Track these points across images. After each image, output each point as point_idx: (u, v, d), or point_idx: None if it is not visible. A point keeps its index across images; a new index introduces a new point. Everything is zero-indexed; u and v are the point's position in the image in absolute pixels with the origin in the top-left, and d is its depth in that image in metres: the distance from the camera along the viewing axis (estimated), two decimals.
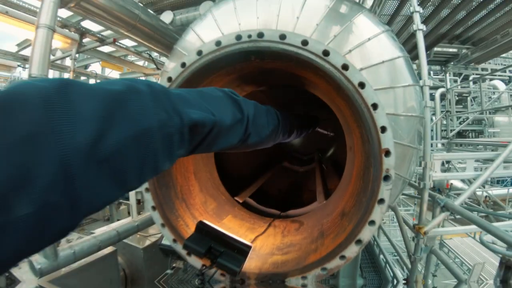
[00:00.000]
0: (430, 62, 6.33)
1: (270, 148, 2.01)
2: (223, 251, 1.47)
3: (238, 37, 1.66)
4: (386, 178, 1.43)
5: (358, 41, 1.77)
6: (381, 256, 4.58)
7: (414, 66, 2.53)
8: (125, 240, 3.63)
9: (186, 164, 2.08)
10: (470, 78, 10.88)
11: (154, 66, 6.90)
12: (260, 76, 2.15)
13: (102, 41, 5.24)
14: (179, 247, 1.77)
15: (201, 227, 1.55)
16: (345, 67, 1.43)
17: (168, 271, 2.64)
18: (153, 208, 1.79)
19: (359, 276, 3.96)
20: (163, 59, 6.91)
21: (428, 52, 4.53)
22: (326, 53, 1.45)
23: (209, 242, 1.50)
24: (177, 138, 0.80)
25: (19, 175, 0.51)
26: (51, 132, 0.54)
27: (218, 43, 1.69)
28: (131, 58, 7.36)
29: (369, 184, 1.53)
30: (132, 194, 4.19)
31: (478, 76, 9.34)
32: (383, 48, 1.88)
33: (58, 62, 6.49)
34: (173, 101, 0.81)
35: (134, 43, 5.39)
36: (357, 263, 3.86)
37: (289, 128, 1.88)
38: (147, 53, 6.12)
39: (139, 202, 4.16)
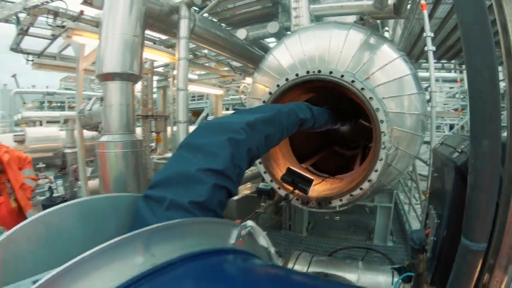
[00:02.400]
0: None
1: (325, 135, 3.61)
2: (300, 181, 3.16)
3: (307, 72, 3.14)
4: (383, 147, 2.95)
5: (380, 66, 3.06)
6: (407, 224, 5.87)
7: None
8: None
9: None
10: None
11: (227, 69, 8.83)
12: (318, 89, 3.71)
13: (196, 55, 7.42)
14: (273, 184, 3.47)
15: (289, 170, 3.26)
16: (363, 89, 2.89)
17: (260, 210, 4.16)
18: (259, 162, 3.48)
19: (390, 240, 5.24)
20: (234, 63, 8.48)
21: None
22: (353, 81, 2.91)
23: (292, 177, 3.20)
24: (296, 124, 2.39)
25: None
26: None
27: (297, 75, 3.20)
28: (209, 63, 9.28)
29: (378, 152, 3.09)
30: None
31: None
32: (397, 69, 3.10)
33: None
34: (295, 111, 2.42)
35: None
36: (387, 229, 5.17)
37: (335, 120, 3.47)
38: (226, 61, 8.02)
39: None
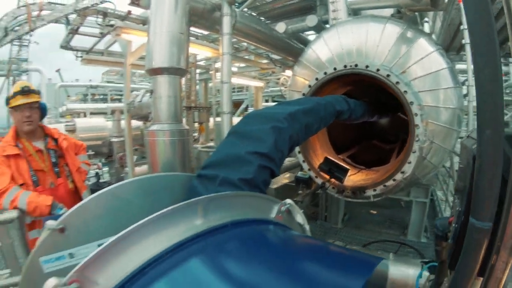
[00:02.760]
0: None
1: (364, 128, 3.74)
2: (336, 170, 3.32)
3: (345, 66, 3.28)
4: (417, 140, 3.05)
5: (416, 59, 3.13)
6: None
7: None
8: None
9: None
10: None
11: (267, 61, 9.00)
12: (356, 82, 3.81)
13: (237, 49, 7.68)
14: (311, 173, 3.65)
15: (326, 159, 3.44)
16: (398, 82, 3.00)
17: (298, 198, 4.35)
18: (298, 152, 3.69)
19: (424, 236, 5.26)
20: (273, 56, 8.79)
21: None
22: (388, 75, 3.02)
23: (329, 166, 3.37)
24: (333, 115, 2.56)
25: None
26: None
27: (334, 68, 3.35)
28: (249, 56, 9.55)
29: (411, 145, 3.19)
30: None
31: None
32: (433, 63, 3.12)
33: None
34: (332, 103, 2.59)
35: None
36: (422, 224, 5.21)
37: (372, 113, 3.59)
38: (266, 54, 8.20)
39: None
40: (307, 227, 1.61)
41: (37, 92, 3.33)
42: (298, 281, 0.94)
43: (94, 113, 13.40)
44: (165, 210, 1.04)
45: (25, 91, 3.17)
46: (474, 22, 1.01)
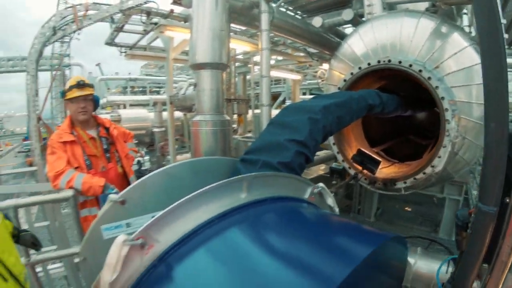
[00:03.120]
0: None
1: (401, 123, 3.83)
2: (368, 161, 3.48)
3: (378, 61, 3.38)
4: (447, 135, 3.13)
5: (449, 54, 3.15)
6: None
7: None
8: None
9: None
10: None
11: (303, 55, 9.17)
12: (391, 77, 3.88)
13: (275, 43, 7.88)
14: (345, 164, 3.82)
15: (359, 151, 3.60)
16: (430, 78, 3.07)
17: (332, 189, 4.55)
18: (333, 144, 3.86)
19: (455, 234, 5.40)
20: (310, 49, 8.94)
21: None
22: (420, 70, 3.10)
23: (362, 157, 3.53)
24: (365, 109, 2.70)
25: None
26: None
27: (369, 64, 3.45)
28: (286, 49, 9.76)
29: (442, 139, 3.27)
30: None
31: None
32: (467, 58, 3.11)
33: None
34: (365, 98, 2.73)
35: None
36: (454, 222, 5.30)
37: (405, 108, 3.69)
38: (303, 48, 8.35)
39: None
40: (336, 209, 1.81)
41: (91, 86, 3.70)
42: (318, 246, 1.16)
43: (133, 105, 14.04)
44: (215, 184, 1.29)
45: (81, 85, 3.54)
46: (483, 28, 1.17)
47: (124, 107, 13.20)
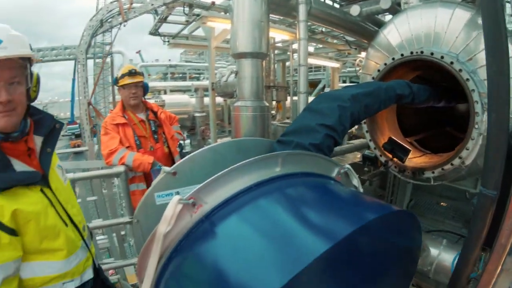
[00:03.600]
0: None
1: (437, 114, 3.91)
2: (398, 149, 3.64)
3: (411, 53, 3.46)
4: (476, 127, 3.16)
5: (483, 46, 3.31)
6: None
7: None
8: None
9: (382, 112, 4.20)
10: None
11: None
12: (424, 67, 3.89)
13: (314, 32, 8.02)
14: (376, 151, 3.99)
15: (390, 139, 3.77)
16: (460, 70, 3.12)
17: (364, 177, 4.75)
18: (366, 131, 4.02)
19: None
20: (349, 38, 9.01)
21: None
22: (452, 62, 3.15)
23: (392, 145, 3.69)
24: (393, 99, 2.85)
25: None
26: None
27: (402, 54, 3.54)
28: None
29: (471, 131, 3.34)
30: None
31: None
32: None
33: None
34: (393, 88, 2.87)
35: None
36: None
37: (438, 98, 3.78)
38: (342, 36, 8.47)
39: None
40: (361, 189, 2.05)
41: (141, 74, 4.11)
42: (335, 210, 1.43)
43: (173, 91, 14.60)
44: (254, 158, 1.57)
45: (132, 73, 3.96)
46: (488, 27, 1.36)
47: (165, 93, 13.78)
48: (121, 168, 3.56)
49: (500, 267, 1.43)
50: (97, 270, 2.27)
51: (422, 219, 5.77)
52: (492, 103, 1.33)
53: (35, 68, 1.88)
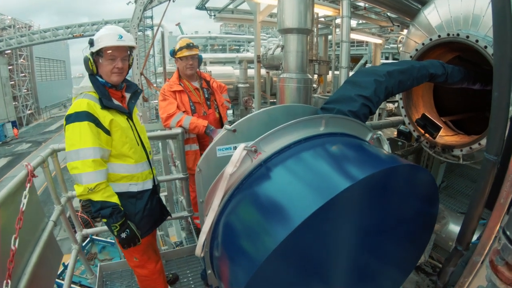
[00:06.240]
0: None
1: (477, 97, 4.11)
2: (430, 126, 3.97)
3: (447, 35, 3.65)
4: None
5: None
6: None
7: None
8: None
9: (417, 90, 4.46)
10: None
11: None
12: (461, 49, 4.03)
13: (356, 8, 8.18)
14: (410, 126, 4.31)
15: (423, 115, 4.10)
16: (493, 54, 3.30)
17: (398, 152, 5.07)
18: (402, 107, 4.36)
19: None
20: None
21: None
22: (485, 47, 3.30)
23: (424, 121, 4.02)
24: (426, 77, 3.08)
25: None
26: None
27: (438, 36, 3.76)
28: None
29: None
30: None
31: None
32: None
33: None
34: (426, 67, 3.09)
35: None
36: None
37: (474, 80, 3.99)
38: (385, 13, 8.61)
39: None
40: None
41: (197, 47, 4.59)
42: (361, 161, 1.90)
43: (213, 62, 15.03)
44: (303, 118, 2.04)
45: (190, 46, 4.44)
46: (496, 13, 1.69)
47: (205, 65, 14.28)
48: (179, 130, 4.11)
49: (499, 224, 1.63)
50: (156, 187, 3.13)
51: (452, 201, 6.04)
52: (496, 83, 1.68)
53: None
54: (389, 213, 1.98)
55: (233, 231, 1.96)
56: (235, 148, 2.35)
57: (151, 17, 23.82)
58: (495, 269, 1.38)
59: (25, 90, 47.47)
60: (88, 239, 11.80)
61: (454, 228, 3.99)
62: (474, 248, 1.85)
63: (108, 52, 2.61)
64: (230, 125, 2.43)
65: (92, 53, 2.64)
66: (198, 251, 2.15)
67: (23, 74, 46.56)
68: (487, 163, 1.81)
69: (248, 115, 2.49)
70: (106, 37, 2.58)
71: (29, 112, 49.38)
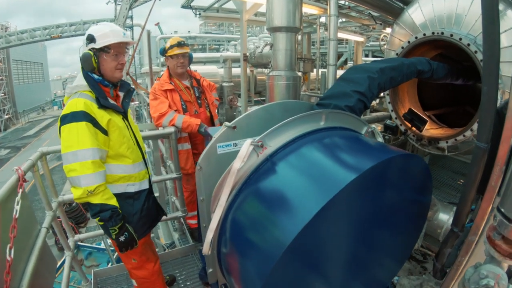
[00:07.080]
0: None
1: (458, 92, 4.32)
2: (416, 119, 4.15)
3: (433, 33, 3.82)
4: None
5: (502, 30, 3.21)
6: None
7: None
8: None
9: (403, 86, 4.61)
10: None
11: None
12: (445, 47, 4.21)
13: (341, 7, 8.38)
14: (397, 121, 4.49)
15: (410, 110, 4.28)
16: (476, 52, 3.45)
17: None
18: (389, 102, 4.50)
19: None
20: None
21: None
22: (468, 44, 3.48)
23: (411, 116, 4.20)
24: (414, 73, 3.25)
25: None
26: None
27: (424, 34, 3.93)
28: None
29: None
30: None
31: None
32: None
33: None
34: (415, 64, 3.26)
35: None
36: None
37: (457, 76, 4.15)
38: (368, 12, 8.83)
39: None
40: None
41: (188, 45, 4.63)
42: (360, 152, 2.02)
43: (194, 62, 15.02)
44: (304, 113, 2.15)
45: (181, 44, 4.48)
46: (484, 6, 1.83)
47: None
48: (172, 129, 4.16)
49: (491, 204, 1.76)
50: (151, 187, 3.20)
51: (437, 192, 6.30)
52: (485, 78, 1.82)
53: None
54: (392, 201, 2.12)
55: (246, 227, 2.00)
56: (235, 144, 2.44)
57: (131, 17, 23.63)
58: (493, 243, 1.52)
59: (2, 94, 46.46)
60: None
61: (443, 216, 4.14)
62: (468, 230, 1.98)
63: (114, 48, 2.64)
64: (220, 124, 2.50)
65: (93, 50, 2.61)
66: (206, 249, 2.13)
67: (0, 78, 45.59)
68: (478, 150, 1.93)
69: (247, 112, 2.56)
70: (112, 34, 2.60)
71: (7, 116, 48.26)
